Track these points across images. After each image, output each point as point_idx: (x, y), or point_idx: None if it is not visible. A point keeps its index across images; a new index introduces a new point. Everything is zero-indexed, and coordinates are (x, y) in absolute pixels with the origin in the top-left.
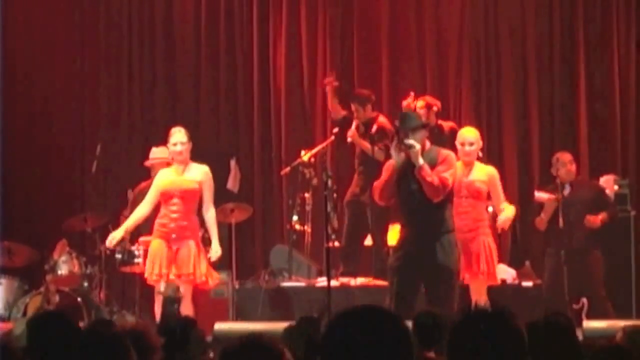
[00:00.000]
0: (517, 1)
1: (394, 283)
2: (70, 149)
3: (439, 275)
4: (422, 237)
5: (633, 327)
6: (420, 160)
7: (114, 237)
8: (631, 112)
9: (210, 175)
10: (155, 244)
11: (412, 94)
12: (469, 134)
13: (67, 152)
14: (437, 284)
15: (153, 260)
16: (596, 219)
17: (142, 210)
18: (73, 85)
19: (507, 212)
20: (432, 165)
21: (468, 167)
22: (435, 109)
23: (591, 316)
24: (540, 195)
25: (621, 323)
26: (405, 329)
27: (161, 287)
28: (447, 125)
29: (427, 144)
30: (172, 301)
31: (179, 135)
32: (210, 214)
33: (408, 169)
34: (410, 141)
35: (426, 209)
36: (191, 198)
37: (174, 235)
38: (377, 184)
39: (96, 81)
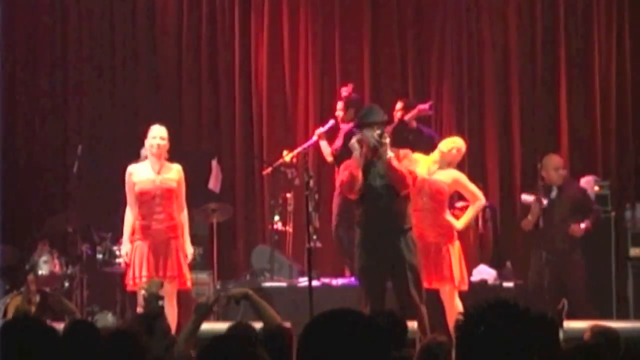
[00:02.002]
0: (499, 9)
1: (364, 283)
2: (52, 149)
3: (406, 273)
4: (386, 234)
5: (600, 327)
6: (389, 153)
7: (127, 252)
8: (612, 114)
9: (183, 174)
10: (139, 247)
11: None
12: (461, 143)
13: (49, 152)
14: (405, 282)
15: (135, 264)
16: (579, 229)
17: (132, 216)
18: (55, 85)
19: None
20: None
21: (435, 168)
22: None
23: (572, 317)
24: (526, 197)
25: (602, 323)
26: (381, 330)
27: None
28: (426, 130)
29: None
30: (155, 298)
31: (159, 130)
32: (183, 214)
33: (371, 164)
34: (379, 132)
35: (389, 205)
36: (172, 197)
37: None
38: (345, 177)
39: (79, 82)
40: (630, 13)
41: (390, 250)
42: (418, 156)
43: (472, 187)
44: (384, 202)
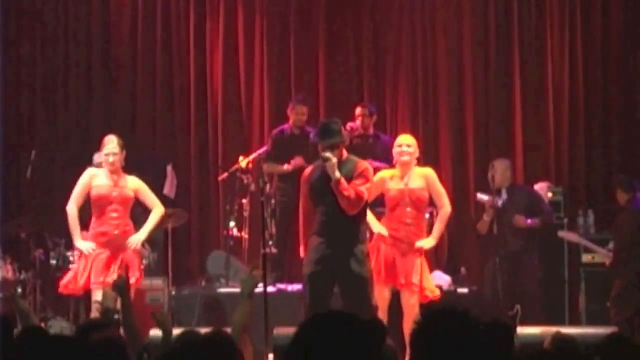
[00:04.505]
0: (453, 10)
1: (309, 290)
2: (4, 154)
3: (354, 285)
4: (336, 247)
5: (561, 334)
6: (337, 174)
7: (90, 247)
8: (565, 121)
9: (139, 181)
10: (96, 254)
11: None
12: (406, 139)
13: (1, 157)
14: (353, 293)
15: (89, 268)
16: (524, 221)
17: (75, 211)
18: (8, 89)
19: (427, 243)
20: (349, 177)
21: (406, 173)
22: (375, 117)
23: (525, 323)
24: (482, 196)
25: (554, 329)
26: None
27: (98, 295)
28: (384, 137)
29: (345, 154)
30: (112, 314)
31: (111, 147)
32: (157, 211)
33: (325, 180)
34: (327, 154)
35: (342, 221)
36: (128, 204)
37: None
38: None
39: (32, 86)
40: (582, 19)
41: (339, 262)
42: (386, 173)
43: (441, 189)
44: (333, 218)
